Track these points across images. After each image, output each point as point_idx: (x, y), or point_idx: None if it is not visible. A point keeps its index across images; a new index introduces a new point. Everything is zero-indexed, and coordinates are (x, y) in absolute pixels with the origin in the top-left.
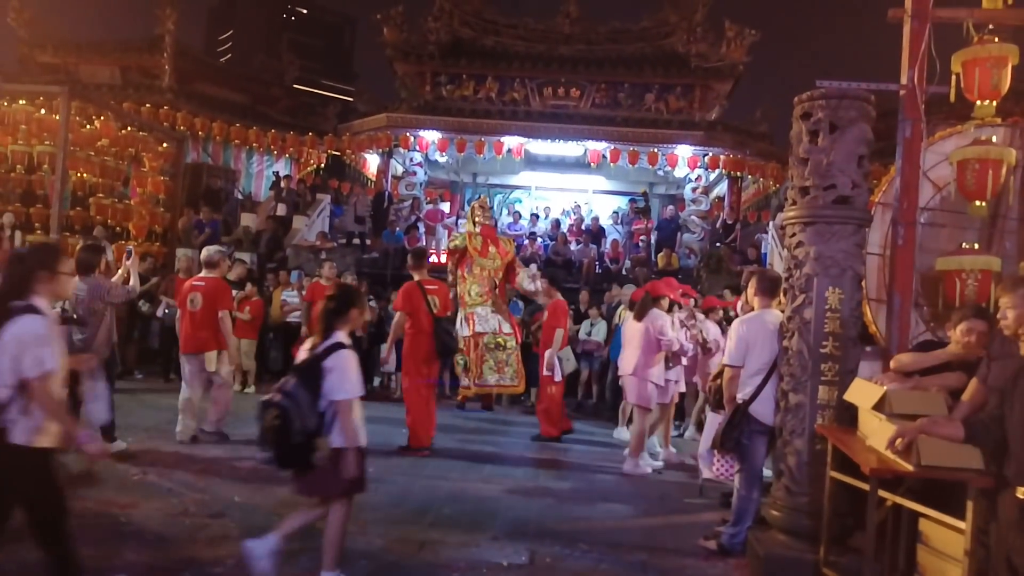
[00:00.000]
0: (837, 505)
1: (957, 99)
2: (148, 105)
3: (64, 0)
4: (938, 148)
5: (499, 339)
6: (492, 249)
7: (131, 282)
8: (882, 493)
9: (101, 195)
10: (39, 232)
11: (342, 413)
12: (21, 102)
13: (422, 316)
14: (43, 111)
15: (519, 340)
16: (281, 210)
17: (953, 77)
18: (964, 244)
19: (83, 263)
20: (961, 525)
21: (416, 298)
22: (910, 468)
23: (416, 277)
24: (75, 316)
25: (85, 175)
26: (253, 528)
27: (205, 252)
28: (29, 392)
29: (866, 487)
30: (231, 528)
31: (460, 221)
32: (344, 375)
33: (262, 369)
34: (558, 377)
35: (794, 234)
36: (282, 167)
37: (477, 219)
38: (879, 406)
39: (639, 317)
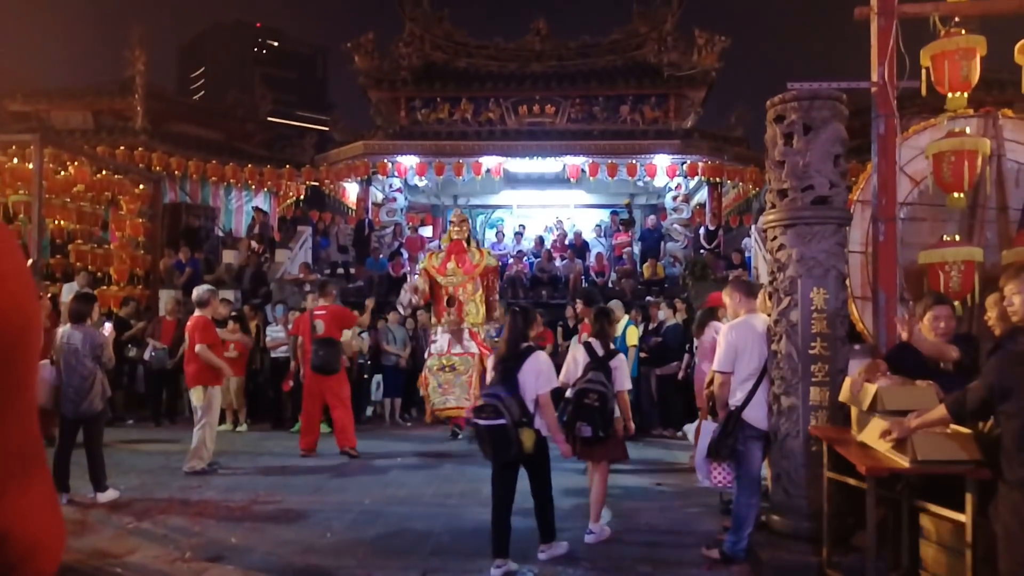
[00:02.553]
0: (836, 505)
1: (928, 93)
2: (122, 148)
3: (33, 48)
4: (913, 143)
5: (445, 359)
6: (451, 265)
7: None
8: (880, 491)
9: (80, 241)
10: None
11: (622, 397)
12: None
13: (307, 339)
14: (16, 160)
15: (482, 358)
16: (256, 245)
17: (923, 71)
18: (945, 236)
19: (76, 312)
20: (961, 518)
21: (304, 323)
22: (906, 465)
23: (319, 304)
24: (52, 359)
25: (62, 222)
26: (252, 569)
27: (195, 292)
28: (539, 402)
29: (864, 486)
30: (230, 571)
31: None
32: (624, 372)
33: (253, 406)
34: None
35: (775, 237)
36: (261, 201)
37: (452, 235)
38: (871, 404)
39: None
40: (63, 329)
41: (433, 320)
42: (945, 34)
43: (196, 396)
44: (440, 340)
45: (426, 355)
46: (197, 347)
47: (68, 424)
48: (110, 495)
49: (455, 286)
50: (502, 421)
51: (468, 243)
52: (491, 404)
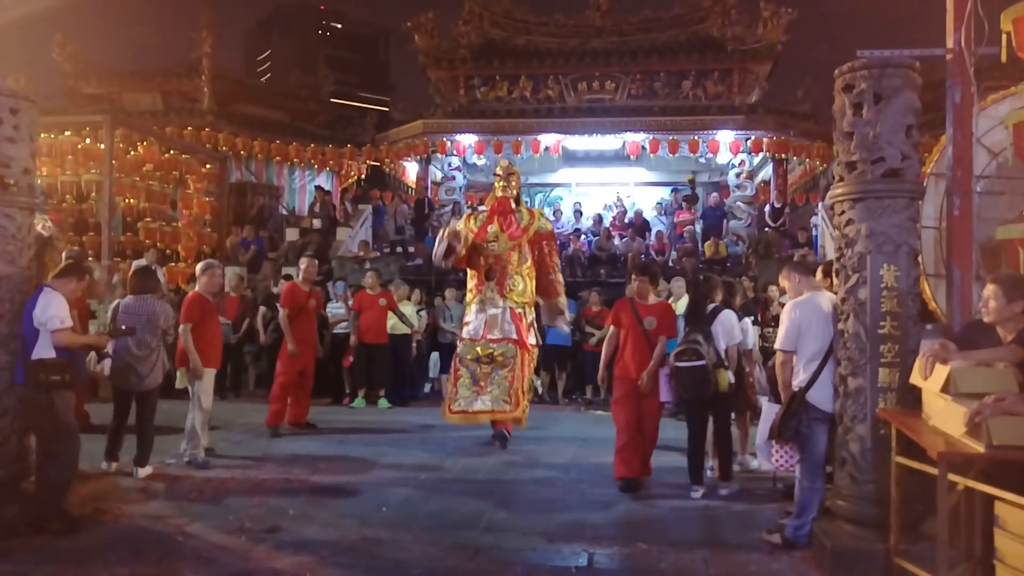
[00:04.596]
0: (905, 491)
1: (1009, 60)
2: (190, 128)
3: (106, 32)
4: (991, 112)
5: (481, 348)
6: (493, 228)
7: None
8: (952, 477)
9: (149, 219)
10: (91, 259)
11: (732, 358)
12: (67, 133)
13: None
14: (88, 140)
15: (526, 348)
16: (317, 223)
17: (1003, 36)
18: None
19: (137, 287)
20: None
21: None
22: (980, 450)
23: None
24: (123, 328)
25: (132, 200)
26: (308, 541)
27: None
28: (729, 354)
29: (934, 471)
30: (287, 543)
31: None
32: (743, 331)
33: (314, 381)
34: (664, 397)
35: (843, 212)
36: (324, 180)
37: (497, 191)
38: (943, 387)
39: None
40: (123, 301)
41: (467, 297)
42: None
43: (180, 378)
44: (475, 322)
45: (457, 340)
46: (181, 327)
47: (122, 396)
48: (146, 471)
49: (497, 255)
50: (702, 362)
51: (517, 203)
52: (692, 348)
